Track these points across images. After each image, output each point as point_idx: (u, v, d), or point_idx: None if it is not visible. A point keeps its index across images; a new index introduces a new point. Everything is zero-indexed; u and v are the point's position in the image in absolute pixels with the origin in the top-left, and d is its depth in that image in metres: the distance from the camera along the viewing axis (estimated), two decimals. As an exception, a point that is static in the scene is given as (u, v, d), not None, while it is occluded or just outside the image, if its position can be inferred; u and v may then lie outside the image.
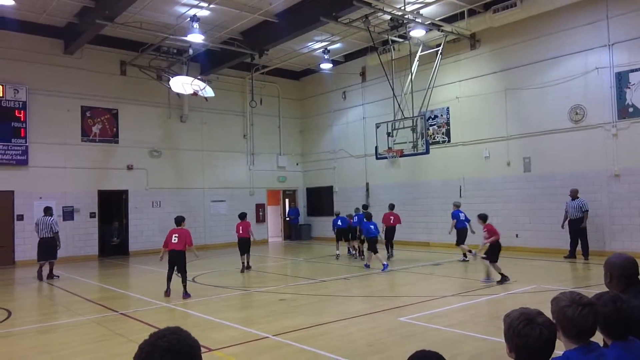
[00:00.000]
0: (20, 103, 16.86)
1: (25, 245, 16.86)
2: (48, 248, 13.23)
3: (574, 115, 14.59)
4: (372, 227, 13.08)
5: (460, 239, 14.04)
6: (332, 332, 6.96)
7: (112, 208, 19.39)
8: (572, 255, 13.64)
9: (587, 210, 13.50)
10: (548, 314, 2.22)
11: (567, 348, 2.30)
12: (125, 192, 19.22)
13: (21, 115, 16.86)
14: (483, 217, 10.90)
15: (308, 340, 6.49)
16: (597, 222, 14.02)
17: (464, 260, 13.96)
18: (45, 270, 13.21)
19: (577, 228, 13.49)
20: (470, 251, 13.78)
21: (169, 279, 10.08)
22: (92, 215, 18.29)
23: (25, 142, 16.90)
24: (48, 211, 13.75)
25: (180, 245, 9.98)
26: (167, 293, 9.99)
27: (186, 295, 9.82)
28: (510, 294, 9.17)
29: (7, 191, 16.69)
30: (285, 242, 23.48)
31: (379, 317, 7.90)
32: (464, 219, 14.15)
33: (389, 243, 15.07)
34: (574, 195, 13.74)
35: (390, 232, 15.17)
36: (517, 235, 15.72)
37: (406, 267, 12.64)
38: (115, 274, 14.40)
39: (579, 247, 13.57)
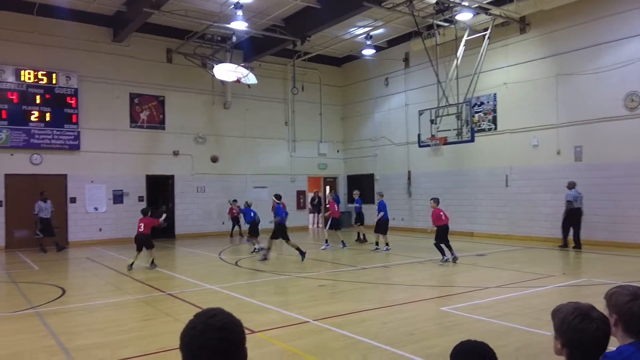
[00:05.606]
0: (72, 90, 17.52)
1: (78, 226, 17.66)
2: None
3: (630, 102, 13.85)
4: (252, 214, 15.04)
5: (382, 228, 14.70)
6: (373, 320, 6.94)
7: (159, 192, 19.98)
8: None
9: (567, 201, 13.96)
10: (599, 308, 2.12)
11: (621, 343, 2.22)
12: (172, 177, 19.75)
13: (73, 101, 17.54)
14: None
15: (348, 326, 6.50)
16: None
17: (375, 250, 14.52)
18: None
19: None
20: (387, 244, 14.54)
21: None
22: (140, 199, 18.90)
23: (77, 127, 17.59)
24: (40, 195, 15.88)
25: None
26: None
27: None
28: (557, 287, 8.89)
29: (61, 175, 17.47)
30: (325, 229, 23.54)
31: (421, 306, 7.83)
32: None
33: (447, 244, 12.02)
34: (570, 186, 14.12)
35: (445, 231, 12.12)
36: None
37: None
38: (163, 256, 14.81)
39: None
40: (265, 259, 12.68)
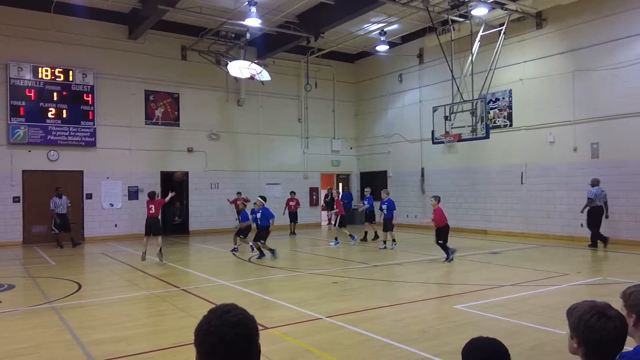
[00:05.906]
0: (89, 87, 17.72)
1: (94, 222, 17.88)
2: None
3: (649, 98, 13.62)
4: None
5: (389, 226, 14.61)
6: (385, 317, 6.94)
7: (174, 189, 20.06)
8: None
9: (588, 198, 13.49)
10: (616, 307, 2.09)
11: (639, 343, 2.18)
12: (186, 173, 19.88)
13: (89, 98, 17.74)
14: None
15: (361, 323, 6.50)
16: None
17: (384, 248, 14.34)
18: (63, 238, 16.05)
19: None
20: (394, 240, 14.43)
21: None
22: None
23: (93, 124, 17.79)
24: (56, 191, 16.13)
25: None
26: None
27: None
28: (572, 286, 8.79)
29: (77, 171, 17.69)
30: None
31: (433, 304, 7.80)
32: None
33: (445, 243, 11.91)
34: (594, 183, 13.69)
35: (447, 230, 12.01)
36: (582, 225, 14.90)
37: (462, 255, 12.35)
38: (177, 252, 14.97)
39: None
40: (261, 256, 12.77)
